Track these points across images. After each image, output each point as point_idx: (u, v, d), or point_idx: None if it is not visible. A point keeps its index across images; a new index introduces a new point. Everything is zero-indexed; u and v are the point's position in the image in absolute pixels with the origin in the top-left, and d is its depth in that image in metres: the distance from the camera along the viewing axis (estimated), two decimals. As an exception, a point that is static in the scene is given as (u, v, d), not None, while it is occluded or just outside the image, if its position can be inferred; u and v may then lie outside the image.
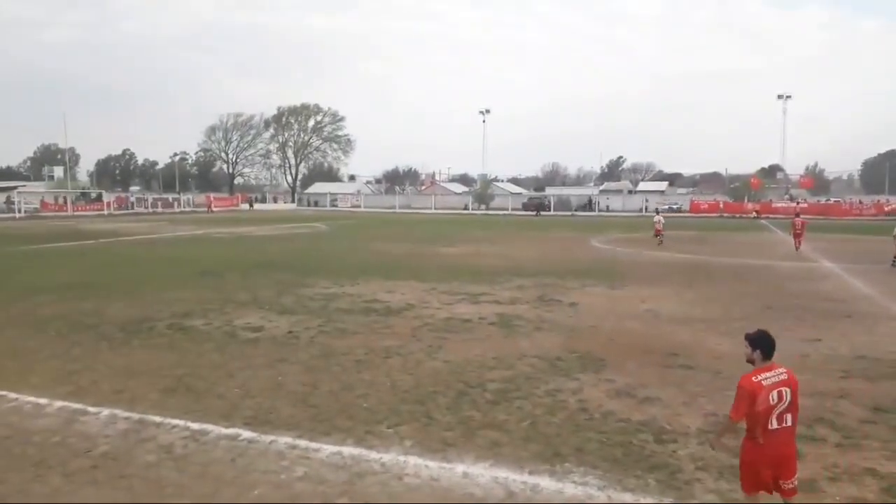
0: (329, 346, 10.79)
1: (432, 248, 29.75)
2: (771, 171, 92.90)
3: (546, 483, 5.87)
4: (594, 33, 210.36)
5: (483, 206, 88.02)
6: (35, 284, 17.84)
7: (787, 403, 4.65)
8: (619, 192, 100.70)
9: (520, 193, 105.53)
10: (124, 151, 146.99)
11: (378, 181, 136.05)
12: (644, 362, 9.91)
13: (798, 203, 65.68)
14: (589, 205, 79.57)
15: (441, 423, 7.28)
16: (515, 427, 7.19)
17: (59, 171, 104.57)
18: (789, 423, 4.69)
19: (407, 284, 17.80)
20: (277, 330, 12.06)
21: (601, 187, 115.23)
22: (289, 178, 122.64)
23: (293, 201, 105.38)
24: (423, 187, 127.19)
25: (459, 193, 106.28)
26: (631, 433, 7.03)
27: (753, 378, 4.67)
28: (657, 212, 39.36)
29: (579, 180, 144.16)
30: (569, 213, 74.46)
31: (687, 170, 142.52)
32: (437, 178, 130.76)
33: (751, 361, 4.80)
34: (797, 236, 28.41)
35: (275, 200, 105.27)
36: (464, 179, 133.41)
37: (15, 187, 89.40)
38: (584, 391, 8.46)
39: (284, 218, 63.28)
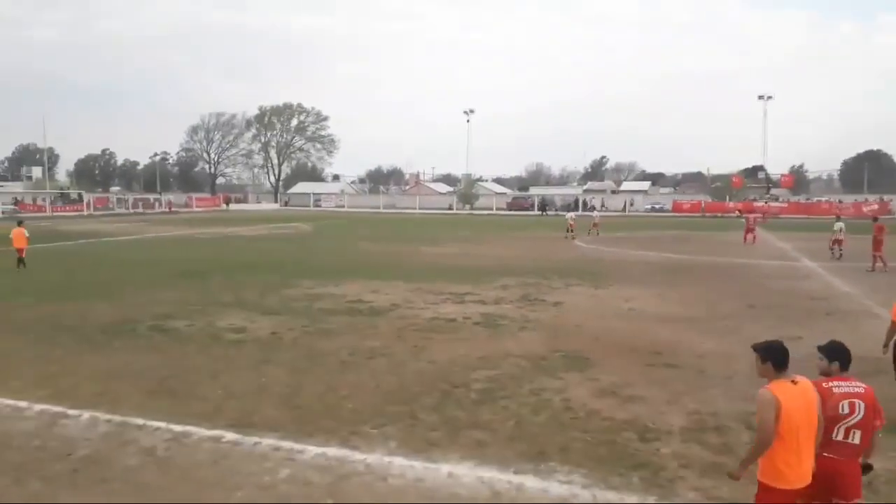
0: (313, 348, 10.76)
1: (417, 248, 29.72)
2: (753, 171, 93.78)
3: (531, 482, 5.90)
4: (575, 34, 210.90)
5: (467, 206, 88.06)
6: (13, 286, 17.62)
7: (859, 417, 4.33)
8: (602, 190, 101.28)
9: (504, 193, 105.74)
10: (104, 151, 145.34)
11: (362, 181, 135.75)
12: (628, 361, 9.98)
13: (755, 200, 67.42)
14: (575, 204, 79.67)
15: (426, 424, 7.29)
16: (500, 427, 7.21)
17: (37, 172, 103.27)
18: (858, 441, 4.36)
19: (391, 285, 17.79)
20: (261, 331, 12.01)
21: (585, 187, 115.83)
22: (272, 178, 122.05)
23: (276, 201, 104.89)
24: (408, 187, 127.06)
25: (444, 193, 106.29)
26: (615, 432, 7.09)
27: (824, 384, 4.40)
28: (593, 208, 46.84)
29: (563, 180, 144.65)
30: (559, 213, 74.65)
31: (669, 169, 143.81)
32: (421, 177, 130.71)
33: (826, 374, 4.55)
34: (749, 231, 32.82)
35: (258, 201, 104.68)
36: (448, 179, 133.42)
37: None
38: (568, 390, 8.50)
39: (267, 218, 62.92)
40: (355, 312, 13.84)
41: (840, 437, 4.33)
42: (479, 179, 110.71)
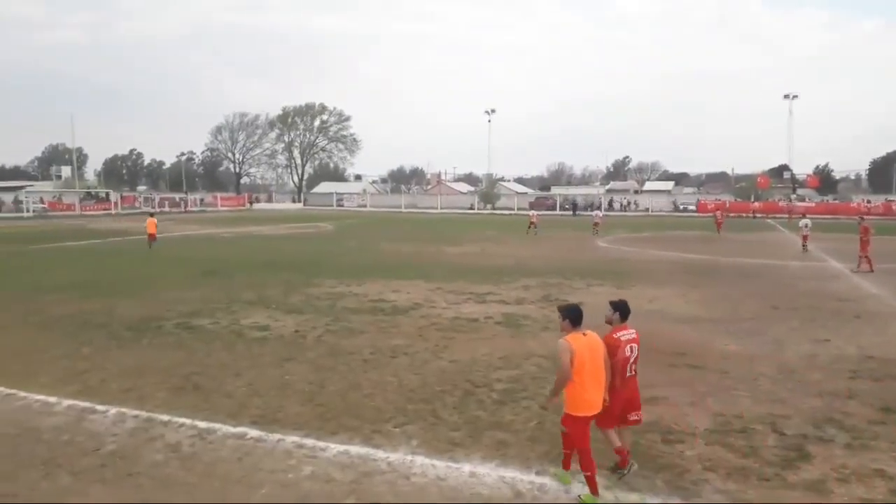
0: (336, 346, 10.81)
1: (438, 248, 29.77)
2: (778, 171, 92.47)
3: (553, 483, 5.86)
4: (597, 34, 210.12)
5: (489, 206, 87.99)
6: (44, 284, 17.93)
7: (636, 355, 5.93)
8: (626, 190, 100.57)
9: (525, 193, 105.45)
10: (131, 151, 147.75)
11: (384, 181, 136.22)
12: (651, 362, 9.85)
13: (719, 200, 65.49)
14: (601, 204, 78.90)
15: (448, 423, 7.28)
16: (522, 427, 7.18)
17: (66, 171, 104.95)
18: (634, 373, 5.97)
19: (413, 284, 17.81)
20: (284, 329, 12.09)
21: (607, 187, 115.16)
22: (295, 178, 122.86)
23: (299, 201, 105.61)
24: (429, 187, 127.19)
25: (465, 193, 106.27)
26: (638, 433, 7.00)
27: (614, 335, 5.88)
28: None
29: (585, 180, 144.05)
30: (584, 213, 74.24)
31: (693, 169, 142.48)
32: (442, 177, 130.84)
33: (609, 322, 6.02)
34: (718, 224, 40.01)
35: (282, 200, 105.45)
36: (469, 179, 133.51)
37: (23, 187, 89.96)
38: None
39: (290, 217, 63.41)
40: (377, 311, 13.87)
41: (630, 374, 5.93)
42: (501, 179, 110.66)
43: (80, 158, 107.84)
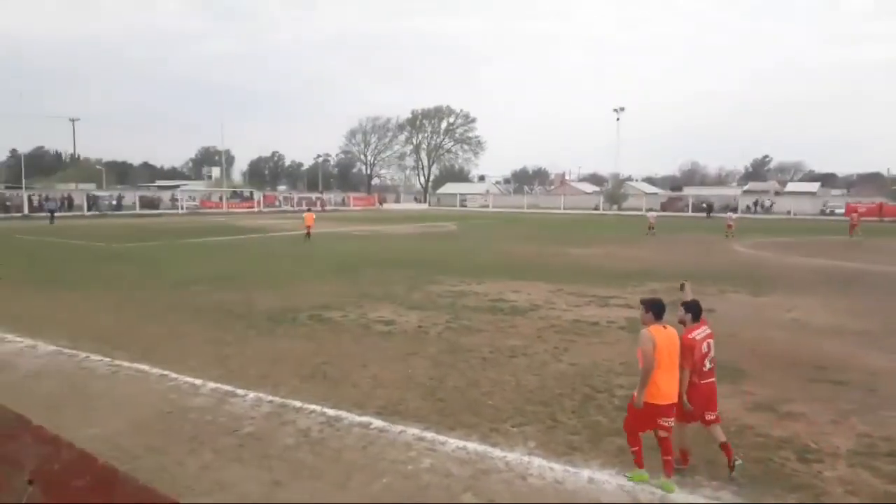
0: (456, 342, 10.96)
1: (560, 249, 29.41)
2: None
3: (675, 496, 5.63)
4: (736, 26, 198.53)
5: (615, 207, 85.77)
6: (193, 275, 19.47)
7: (712, 352, 6.16)
8: (765, 192, 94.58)
9: (655, 193, 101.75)
10: (273, 153, 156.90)
11: (507, 181, 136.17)
12: (788, 375, 9.25)
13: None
14: (736, 206, 74.37)
15: (566, 427, 7.19)
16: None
17: (216, 172, 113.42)
18: (712, 366, 6.18)
19: (533, 285, 17.72)
20: (408, 324, 12.41)
21: (745, 188, 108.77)
22: (421, 179, 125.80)
23: (425, 201, 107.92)
24: (553, 187, 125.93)
25: (590, 193, 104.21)
26: (770, 450, 6.59)
27: (689, 335, 6.10)
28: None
29: (720, 180, 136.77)
30: (719, 215, 70.63)
31: (842, 170, 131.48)
32: (566, 177, 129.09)
33: (683, 322, 6.30)
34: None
35: (410, 200, 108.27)
36: (594, 179, 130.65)
37: (178, 186, 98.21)
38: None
39: (416, 217, 64.94)
40: (497, 310, 13.92)
41: (707, 368, 6.12)
42: (628, 179, 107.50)
43: (227, 160, 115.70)
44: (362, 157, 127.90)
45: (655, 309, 5.94)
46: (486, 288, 17.16)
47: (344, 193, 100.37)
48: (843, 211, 69.95)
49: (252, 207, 77.19)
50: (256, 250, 28.50)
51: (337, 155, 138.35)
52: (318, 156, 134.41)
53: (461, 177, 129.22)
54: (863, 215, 66.63)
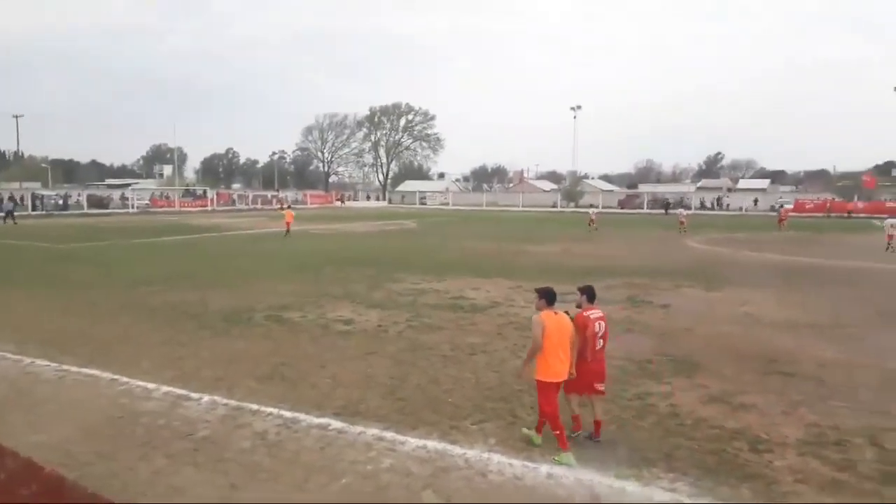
0: (416, 341, 10.96)
1: (519, 246, 29.65)
2: (886, 168, 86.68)
3: (633, 487, 5.74)
4: (690, 26, 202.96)
5: (572, 204, 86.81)
6: (145, 275, 19.03)
7: (603, 330, 6.88)
8: (718, 188, 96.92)
9: (611, 191, 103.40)
10: (227, 150, 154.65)
11: (466, 179, 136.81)
12: (741, 368, 9.51)
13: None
14: (689, 203, 75.87)
15: (526, 422, 7.25)
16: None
17: (167, 170, 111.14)
18: (602, 345, 6.92)
19: (493, 282, 17.83)
20: (368, 323, 12.37)
21: (698, 184, 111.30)
22: (380, 177, 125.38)
23: (384, 199, 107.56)
24: (511, 185, 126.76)
25: (548, 191, 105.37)
26: (725, 441, 6.77)
27: (583, 313, 6.88)
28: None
29: (675, 177, 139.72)
30: (675, 212, 72.03)
31: (791, 167, 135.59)
32: (525, 175, 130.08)
33: (579, 305, 7.05)
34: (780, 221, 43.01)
35: (367, 198, 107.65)
36: (553, 177, 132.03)
37: (129, 184, 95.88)
38: (674, 396, 8.20)
39: (375, 215, 64.66)
40: (457, 308, 13.97)
41: (599, 347, 6.84)
42: (585, 177, 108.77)
43: (180, 157, 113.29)
44: (319, 154, 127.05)
45: (548, 297, 6.59)
46: (446, 286, 17.19)
47: (301, 191, 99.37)
48: (791, 206, 72.20)
49: (206, 206, 75.65)
50: (212, 250, 28.02)
51: (293, 152, 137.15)
52: (274, 153, 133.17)
53: (420, 174, 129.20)
54: (811, 211, 69.37)
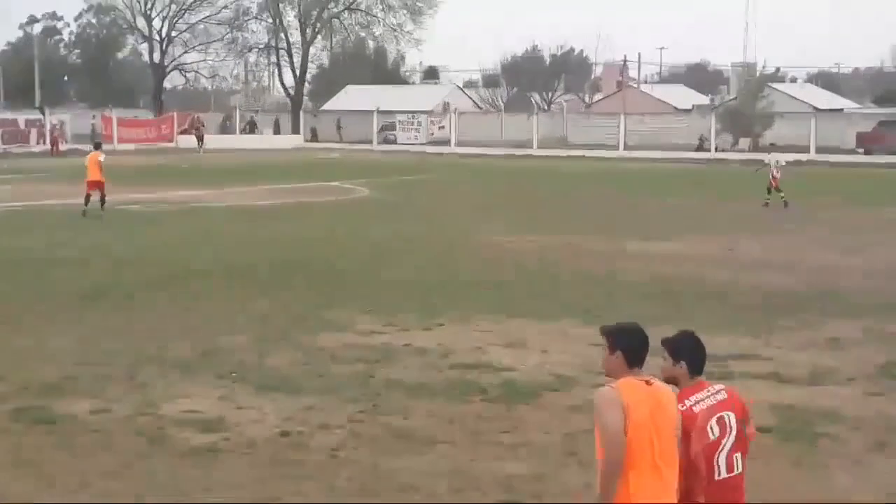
0: (378, 475, 10.95)
1: (616, 242, 30.20)
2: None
3: None
4: None
5: (742, 141, 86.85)
6: None
7: (733, 437, 6.44)
8: None
9: (840, 111, 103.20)
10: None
11: (490, 83, 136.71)
12: None
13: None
14: None
15: None
16: None
17: None
18: (741, 469, 6.54)
19: (553, 328, 17.73)
20: (257, 430, 12.33)
21: None
22: (287, 79, 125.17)
23: (298, 130, 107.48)
24: (599, 96, 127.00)
25: (684, 111, 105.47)
26: None
27: (679, 406, 6.35)
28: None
29: None
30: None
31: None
32: (626, 75, 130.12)
33: (672, 380, 6.56)
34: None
35: (249, 127, 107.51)
36: (695, 76, 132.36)
37: None
38: None
39: (279, 168, 64.76)
40: (469, 391, 13.98)
41: (724, 473, 6.39)
42: (775, 73, 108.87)
43: None
44: (140, 21, 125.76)
45: (628, 345, 6.28)
46: (443, 335, 17.23)
47: (98, 111, 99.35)
48: None
49: None
50: None
51: (78, 19, 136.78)
52: (32, 20, 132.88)
53: (382, 72, 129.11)
54: None
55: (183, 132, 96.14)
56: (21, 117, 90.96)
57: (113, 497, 10.30)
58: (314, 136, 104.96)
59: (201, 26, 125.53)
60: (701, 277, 23.65)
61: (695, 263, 26.02)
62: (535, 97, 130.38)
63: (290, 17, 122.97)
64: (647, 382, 6.10)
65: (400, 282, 22.67)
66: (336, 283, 22.44)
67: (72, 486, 10.60)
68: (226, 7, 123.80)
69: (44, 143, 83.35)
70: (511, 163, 75.58)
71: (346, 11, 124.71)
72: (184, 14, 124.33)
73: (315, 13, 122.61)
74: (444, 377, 14.75)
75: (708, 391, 6.47)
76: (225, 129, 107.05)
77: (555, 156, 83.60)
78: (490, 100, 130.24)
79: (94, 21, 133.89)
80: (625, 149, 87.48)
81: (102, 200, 37.47)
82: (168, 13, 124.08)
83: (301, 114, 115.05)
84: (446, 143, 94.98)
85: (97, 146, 43.33)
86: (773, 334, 17.61)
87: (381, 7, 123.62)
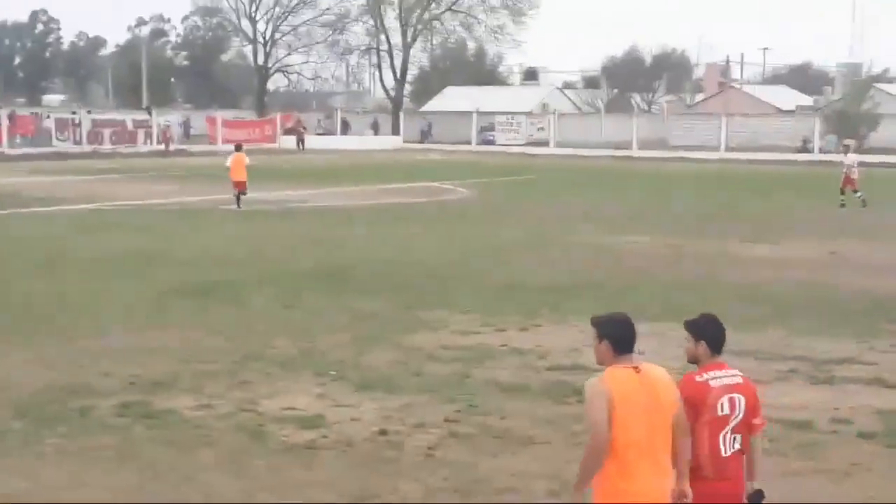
0: (475, 475, 10.92)
1: (719, 244, 29.96)
2: None
3: None
4: None
5: (847, 143, 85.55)
6: None
7: (740, 418, 6.80)
8: None
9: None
10: (34, 17, 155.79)
11: (590, 84, 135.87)
12: None
13: None
14: None
15: None
16: None
17: None
18: (739, 447, 6.84)
19: (651, 328, 17.61)
20: (354, 429, 12.41)
21: None
22: (387, 81, 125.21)
23: (397, 131, 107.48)
24: (700, 97, 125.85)
25: (787, 113, 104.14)
26: None
27: (697, 377, 6.88)
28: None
29: None
30: None
31: None
32: (728, 76, 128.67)
33: (694, 360, 7.05)
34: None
35: (341, 129, 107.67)
36: (795, 76, 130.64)
37: None
38: None
39: (376, 169, 64.92)
40: (567, 393, 13.79)
41: (730, 449, 6.74)
42: (882, 73, 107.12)
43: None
44: (244, 23, 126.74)
45: (615, 334, 6.49)
46: (539, 337, 17.19)
47: (202, 112, 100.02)
48: None
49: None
50: (1, 249, 28.45)
51: (185, 20, 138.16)
52: (140, 23, 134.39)
53: (480, 73, 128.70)
54: None
55: (286, 133, 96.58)
56: (129, 118, 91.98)
57: (216, 491, 10.43)
58: (423, 137, 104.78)
59: (304, 29, 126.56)
60: (803, 281, 23.43)
61: (797, 266, 25.74)
62: (636, 98, 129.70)
63: (391, 18, 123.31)
64: (636, 369, 6.35)
65: (498, 282, 22.72)
66: (433, 283, 22.55)
67: (175, 479, 10.75)
68: (328, 9, 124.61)
69: (150, 142, 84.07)
70: (611, 164, 75.27)
71: (447, 13, 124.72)
72: (287, 16, 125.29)
73: (416, 15, 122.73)
74: (541, 378, 14.74)
75: (726, 371, 6.84)
76: (326, 129, 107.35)
77: (655, 157, 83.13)
78: (590, 101, 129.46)
79: (200, 23, 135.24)
80: (726, 150, 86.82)
81: (238, 199, 39.16)
82: (272, 16, 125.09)
83: (401, 115, 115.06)
84: (545, 144, 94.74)
85: (238, 147, 44.58)
86: (877, 338, 17.37)
87: (482, 8, 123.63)
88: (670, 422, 6.34)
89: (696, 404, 6.58)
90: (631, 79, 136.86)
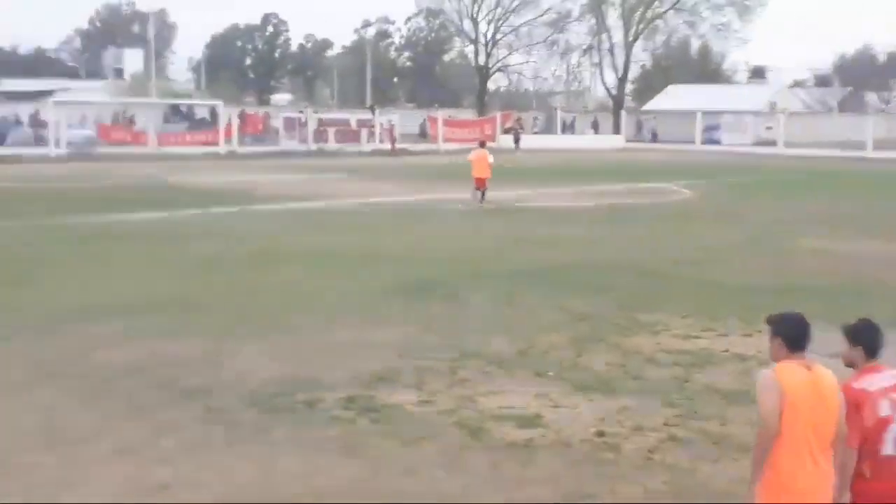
0: (695, 480, 10.94)
1: None
2: None
3: None
4: None
5: None
6: (90, 297, 20.21)
7: None
8: None
9: None
10: (266, 21, 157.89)
11: (822, 83, 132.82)
12: None
13: None
14: None
15: None
16: None
17: (133, 61, 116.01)
18: None
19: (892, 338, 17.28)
20: (571, 428, 12.51)
21: None
22: (608, 80, 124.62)
23: (619, 130, 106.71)
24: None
25: None
26: None
27: (853, 384, 6.95)
28: None
29: None
30: None
31: None
32: None
33: (851, 364, 7.22)
34: None
35: (561, 128, 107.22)
36: None
37: (50, 92, 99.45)
38: None
39: (599, 169, 65.07)
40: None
41: (891, 451, 6.76)
42: None
43: (161, 36, 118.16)
44: (466, 24, 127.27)
45: (789, 331, 6.85)
46: (762, 343, 16.62)
47: (425, 111, 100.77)
48: None
49: (215, 142, 79.32)
50: (233, 246, 29.23)
51: (410, 20, 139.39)
52: (366, 24, 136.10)
53: (705, 72, 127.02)
54: None
55: (506, 132, 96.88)
56: (353, 117, 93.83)
57: (438, 485, 10.72)
58: (647, 136, 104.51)
59: (525, 29, 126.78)
60: None
61: None
62: (871, 97, 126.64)
63: (613, 17, 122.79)
64: (808, 367, 6.61)
65: (720, 286, 22.53)
66: (653, 285, 22.50)
67: (398, 472, 11.06)
68: (549, 9, 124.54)
69: (373, 141, 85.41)
70: (843, 165, 73.61)
71: (670, 11, 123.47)
72: (508, 17, 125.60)
73: (638, 13, 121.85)
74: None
75: (884, 374, 6.99)
76: (543, 128, 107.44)
77: (892, 158, 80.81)
78: (822, 100, 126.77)
79: (423, 24, 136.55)
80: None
81: (482, 196, 40.86)
82: (493, 16, 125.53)
83: (622, 113, 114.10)
84: (773, 143, 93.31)
85: (482, 144, 46.33)
86: None
87: (707, 6, 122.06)
88: (834, 424, 6.51)
89: (855, 410, 6.70)
90: (865, 77, 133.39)
